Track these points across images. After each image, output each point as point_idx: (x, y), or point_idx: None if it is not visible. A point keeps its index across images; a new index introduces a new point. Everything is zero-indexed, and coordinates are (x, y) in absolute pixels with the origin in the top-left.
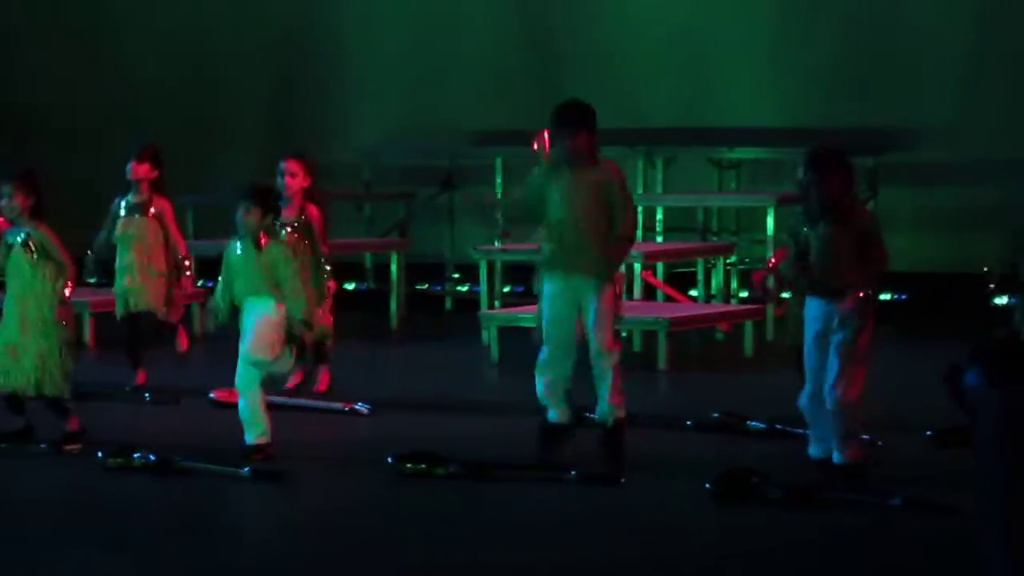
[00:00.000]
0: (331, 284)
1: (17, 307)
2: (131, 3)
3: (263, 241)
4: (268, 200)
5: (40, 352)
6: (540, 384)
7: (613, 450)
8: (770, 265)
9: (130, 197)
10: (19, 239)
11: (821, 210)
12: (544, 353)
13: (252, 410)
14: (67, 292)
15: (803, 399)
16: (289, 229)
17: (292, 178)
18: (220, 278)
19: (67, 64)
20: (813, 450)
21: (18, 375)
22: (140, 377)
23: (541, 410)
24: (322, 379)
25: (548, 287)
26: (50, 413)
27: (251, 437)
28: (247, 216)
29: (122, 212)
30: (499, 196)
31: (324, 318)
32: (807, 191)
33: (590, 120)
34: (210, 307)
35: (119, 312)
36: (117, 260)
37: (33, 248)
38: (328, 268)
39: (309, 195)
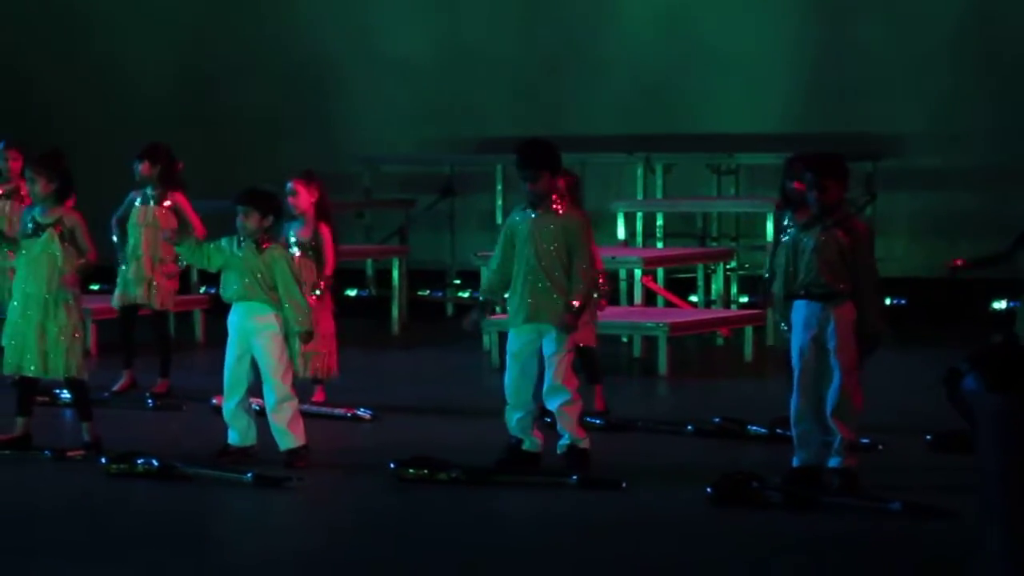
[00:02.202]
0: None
1: (38, 289)
2: (132, 8)
3: (264, 244)
4: (265, 203)
5: (64, 334)
6: (510, 419)
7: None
8: None
9: (147, 191)
10: (50, 222)
11: (819, 214)
12: (508, 391)
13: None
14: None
15: (794, 408)
16: (298, 252)
17: (294, 198)
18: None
19: (68, 71)
20: (796, 460)
21: (42, 359)
22: (126, 381)
23: (514, 438)
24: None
25: (513, 334)
26: (72, 409)
27: (290, 443)
28: (245, 220)
29: (137, 203)
30: (500, 204)
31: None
32: (803, 195)
33: (552, 160)
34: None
35: (116, 301)
36: (127, 248)
37: (64, 234)
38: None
39: (322, 212)
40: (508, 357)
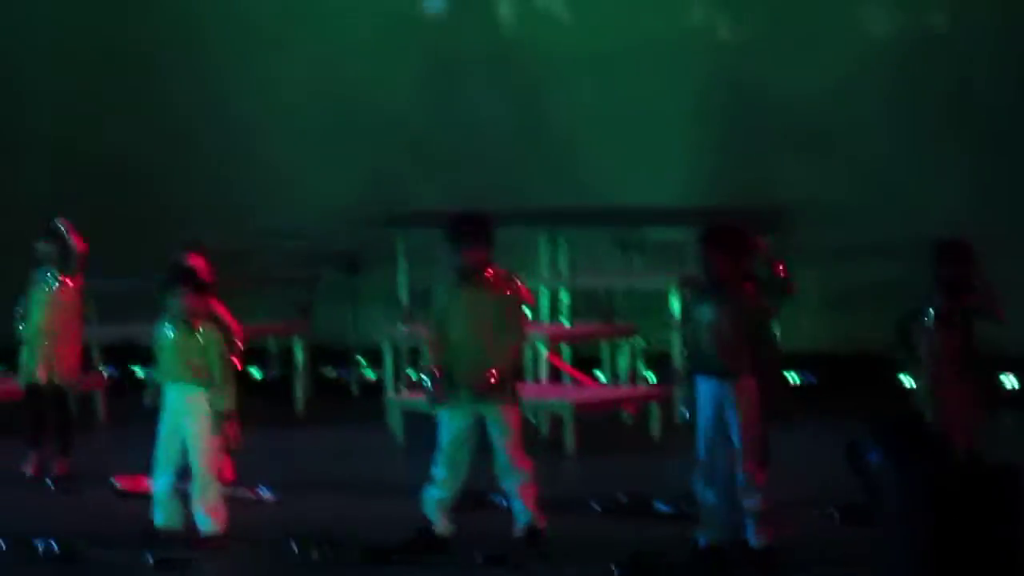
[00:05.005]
0: None
1: None
2: (39, 76)
3: (197, 324)
4: (199, 281)
5: None
6: (430, 498)
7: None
8: None
9: (47, 269)
10: None
11: (709, 288)
12: (439, 472)
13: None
14: None
15: (696, 483)
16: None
17: None
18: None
19: None
20: (702, 539)
21: None
22: (36, 463)
23: (425, 520)
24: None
25: (447, 414)
26: None
27: (209, 528)
28: (183, 300)
29: (39, 282)
30: (404, 279)
31: None
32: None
33: (487, 233)
34: (149, 382)
35: (21, 382)
36: (27, 327)
37: None
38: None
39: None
40: (441, 437)
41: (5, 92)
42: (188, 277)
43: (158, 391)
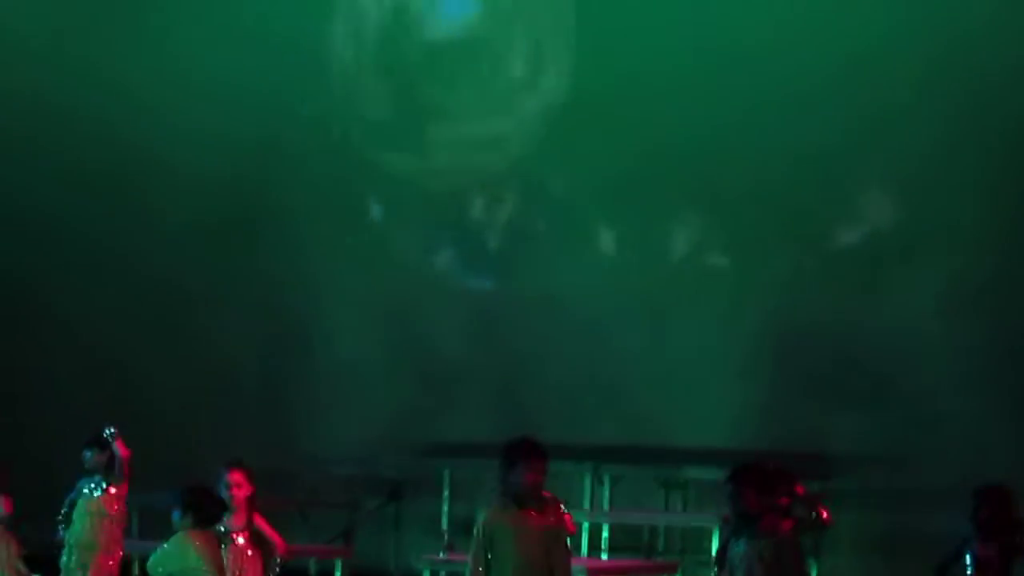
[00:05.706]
0: None
1: None
2: (73, 291)
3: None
4: (205, 512)
5: None
6: None
7: None
8: None
9: (95, 478)
10: None
11: (738, 525)
12: None
13: None
14: None
15: None
16: (242, 540)
17: (239, 489)
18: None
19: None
20: None
21: None
22: None
23: None
24: None
25: None
26: None
27: None
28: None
29: (85, 491)
30: (446, 509)
31: None
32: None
33: (547, 458)
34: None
35: None
36: (70, 534)
37: None
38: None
39: (253, 503)
40: None
41: (42, 300)
42: (197, 503)
43: None
